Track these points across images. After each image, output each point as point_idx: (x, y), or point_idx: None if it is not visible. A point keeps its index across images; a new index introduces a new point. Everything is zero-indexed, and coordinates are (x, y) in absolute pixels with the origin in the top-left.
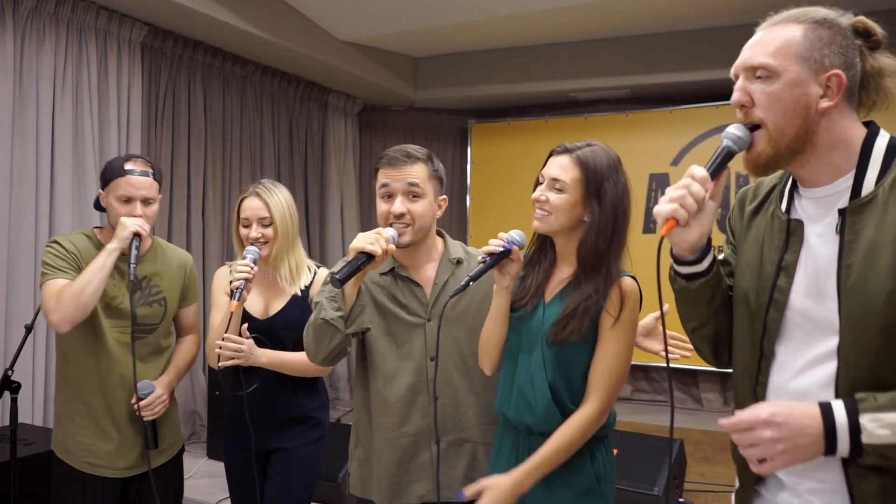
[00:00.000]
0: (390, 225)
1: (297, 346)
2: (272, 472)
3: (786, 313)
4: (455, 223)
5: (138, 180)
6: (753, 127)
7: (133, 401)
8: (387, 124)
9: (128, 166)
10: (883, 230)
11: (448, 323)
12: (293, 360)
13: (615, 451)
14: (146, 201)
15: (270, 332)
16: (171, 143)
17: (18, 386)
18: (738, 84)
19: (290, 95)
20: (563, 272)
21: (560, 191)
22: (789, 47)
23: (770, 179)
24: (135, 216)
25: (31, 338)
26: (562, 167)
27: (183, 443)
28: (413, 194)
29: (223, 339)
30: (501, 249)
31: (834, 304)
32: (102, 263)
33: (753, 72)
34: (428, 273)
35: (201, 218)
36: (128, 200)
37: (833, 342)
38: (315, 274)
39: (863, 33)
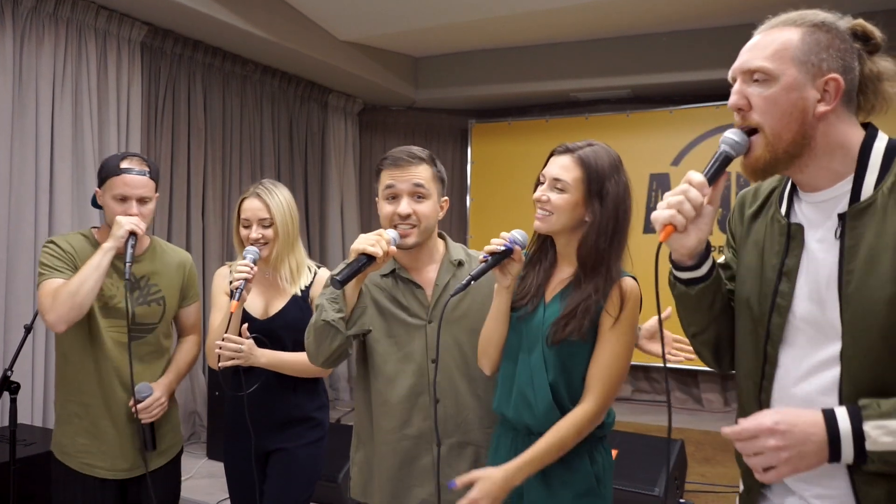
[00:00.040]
0: (395, 226)
1: (297, 347)
2: (272, 473)
3: (789, 318)
4: (455, 223)
5: (134, 179)
6: (751, 131)
7: (130, 403)
8: (387, 124)
9: (124, 165)
10: (883, 235)
11: (449, 324)
12: (293, 361)
13: (614, 452)
14: (142, 200)
15: (270, 332)
16: (171, 143)
17: (18, 386)
18: (736, 87)
19: (290, 95)
20: (564, 272)
21: (561, 191)
22: (787, 51)
23: (770, 182)
24: (130, 215)
25: (31, 338)
26: (563, 167)
27: (182, 444)
28: (418, 195)
29: (223, 340)
30: (503, 249)
31: (836, 309)
32: (98, 262)
33: (750, 75)
34: (429, 275)
35: (201, 218)
36: (123, 199)
37: (836, 347)
38: (315, 274)
39: (861, 37)
